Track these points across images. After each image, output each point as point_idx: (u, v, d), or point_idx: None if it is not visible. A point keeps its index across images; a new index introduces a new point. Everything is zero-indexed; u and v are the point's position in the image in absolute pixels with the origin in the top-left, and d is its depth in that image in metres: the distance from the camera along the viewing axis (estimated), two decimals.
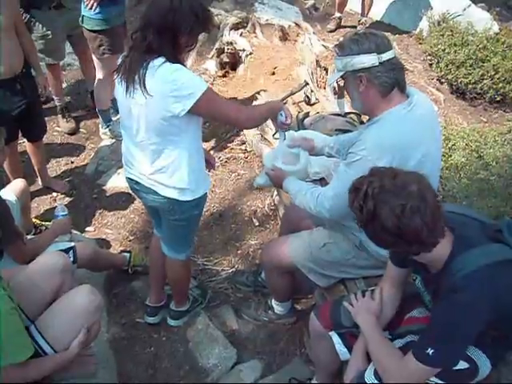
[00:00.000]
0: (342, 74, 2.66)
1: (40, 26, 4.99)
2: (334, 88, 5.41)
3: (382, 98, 2.61)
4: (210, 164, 3.35)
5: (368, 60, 2.54)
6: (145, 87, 2.68)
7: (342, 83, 2.81)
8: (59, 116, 5.72)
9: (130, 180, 3.17)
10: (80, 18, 4.80)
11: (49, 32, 4.99)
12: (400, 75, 2.61)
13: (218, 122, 2.86)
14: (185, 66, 2.79)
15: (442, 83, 6.52)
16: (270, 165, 3.20)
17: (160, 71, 2.67)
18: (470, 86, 6.29)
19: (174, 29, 2.67)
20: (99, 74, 5.09)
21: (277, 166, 3.15)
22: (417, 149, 2.59)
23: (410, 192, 1.99)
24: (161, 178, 2.96)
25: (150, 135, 2.84)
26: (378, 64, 2.54)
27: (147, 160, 2.95)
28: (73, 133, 5.67)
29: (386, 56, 2.55)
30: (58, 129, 5.67)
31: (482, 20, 7.26)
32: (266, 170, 3.21)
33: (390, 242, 2.07)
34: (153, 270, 3.74)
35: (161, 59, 2.68)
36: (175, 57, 2.73)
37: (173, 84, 2.66)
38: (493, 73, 6.20)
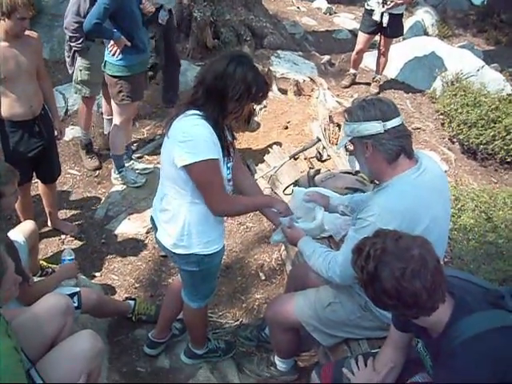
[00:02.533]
0: (349, 139, 2.71)
1: (90, 56, 5.25)
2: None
3: (388, 165, 2.63)
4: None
5: (373, 127, 2.58)
6: (168, 129, 2.83)
7: (351, 147, 2.83)
8: (83, 152, 5.82)
9: (151, 216, 3.29)
10: (103, 64, 4.91)
11: (95, 63, 5.17)
12: (406, 142, 2.63)
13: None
14: (222, 129, 2.83)
15: (453, 143, 6.56)
16: (286, 222, 3.19)
17: (184, 119, 2.78)
18: (481, 147, 6.33)
19: (222, 92, 2.73)
20: (116, 120, 5.15)
21: (293, 224, 3.16)
22: (425, 214, 2.59)
23: (412, 255, 1.99)
24: (162, 221, 3.07)
25: (163, 177, 2.98)
26: (383, 131, 2.57)
27: (159, 198, 3.09)
28: (96, 169, 5.78)
29: (391, 123, 2.58)
30: (70, 171, 5.73)
31: (495, 80, 7.37)
32: (283, 227, 3.21)
33: (388, 304, 2.06)
34: (164, 307, 3.79)
35: (195, 111, 2.77)
36: (215, 118, 2.77)
37: (183, 136, 2.74)
38: (504, 134, 6.26)
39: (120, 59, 4.77)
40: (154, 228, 3.24)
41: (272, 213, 3.28)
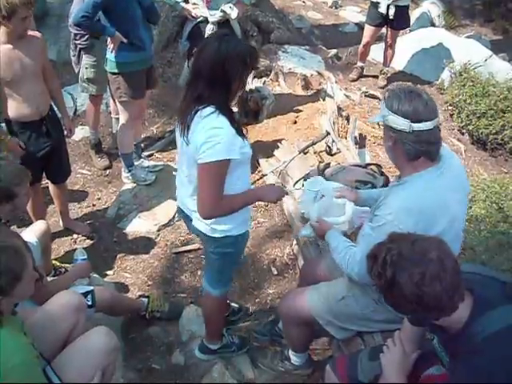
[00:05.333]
0: (380, 120, 2.63)
1: (95, 53, 5.27)
2: (356, 138, 5.46)
3: (407, 161, 2.59)
4: None
5: (400, 124, 2.50)
6: (187, 133, 2.85)
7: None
8: (92, 152, 5.86)
9: (178, 208, 3.38)
10: (105, 60, 4.93)
11: (101, 61, 5.13)
12: (429, 149, 2.55)
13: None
14: (232, 111, 2.91)
15: (462, 134, 6.54)
16: (314, 217, 3.18)
17: (203, 122, 2.79)
18: (490, 137, 6.31)
19: (225, 78, 2.76)
20: (122, 119, 5.16)
21: (322, 218, 3.14)
22: (443, 216, 2.56)
23: (430, 259, 1.97)
24: (197, 212, 3.07)
25: (192, 172, 2.97)
26: (408, 131, 2.50)
27: (189, 193, 3.10)
28: (107, 168, 5.81)
29: (419, 126, 2.48)
30: (80, 171, 5.75)
31: (503, 70, 7.33)
32: (312, 221, 3.20)
33: (409, 308, 2.05)
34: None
35: (209, 109, 2.79)
36: (226, 104, 2.85)
37: (206, 138, 2.75)
38: None
39: (117, 56, 4.76)
40: (186, 218, 3.32)
41: None
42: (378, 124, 4.68)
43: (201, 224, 3.11)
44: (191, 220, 3.21)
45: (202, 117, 2.80)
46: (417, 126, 2.48)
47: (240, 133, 2.88)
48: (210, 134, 2.74)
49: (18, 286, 2.40)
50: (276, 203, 3.22)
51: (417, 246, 2.02)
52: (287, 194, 3.08)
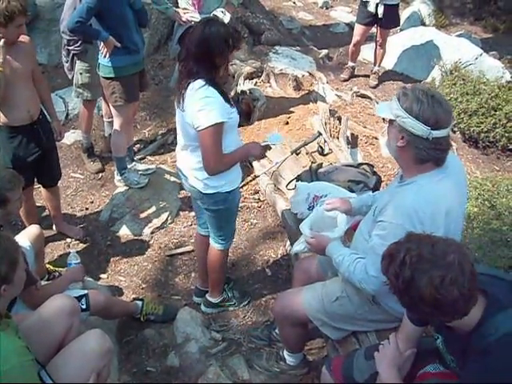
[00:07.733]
0: (390, 117, 2.58)
1: (89, 58, 5.26)
2: (347, 137, 5.46)
3: (414, 164, 2.58)
4: None
5: (419, 129, 2.46)
6: (183, 104, 3.36)
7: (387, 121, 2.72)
8: (84, 156, 5.86)
9: (178, 169, 3.81)
10: (97, 65, 4.91)
11: (95, 66, 5.08)
12: (441, 156, 2.54)
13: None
14: (219, 85, 3.36)
15: (454, 132, 6.53)
16: (308, 232, 3.15)
17: (196, 93, 3.28)
18: (482, 135, 6.29)
19: (207, 53, 3.26)
20: (116, 122, 5.15)
21: (316, 233, 3.11)
22: (447, 217, 2.55)
23: (449, 262, 1.95)
24: (192, 170, 3.57)
25: (186, 139, 3.51)
26: (425, 137, 2.47)
27: (185, 155, 3.61)
28: (99, 172, 5.81)
29: (437, 133, 2.46)
30: (73, 175, 5.74)
31: (494, 68, 7.32)
32: (305, 237, 3.17)
33: (425, 311, 2.03)
34: (198, 260, 4.34)
35: (200, 82, 3.28)
36: (213, 77, 3.32)
37: (200, 106, 3.25)
38: (505, 121, 6.19)
39: (111, 60, 4.75)
40: (183, 177, 3.73)
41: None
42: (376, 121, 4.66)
43: (196, 181, 3.57)
44: (186, 179, 3.66)
45: (194, 89, 3.28)
46: (436, 134, 2.45)
47: (228, 101, 3.37)
48: (204, 102, 3.23)
49: (17, 271, 2.48)
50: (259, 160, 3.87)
51: (437, 248, 2.00)
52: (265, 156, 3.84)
